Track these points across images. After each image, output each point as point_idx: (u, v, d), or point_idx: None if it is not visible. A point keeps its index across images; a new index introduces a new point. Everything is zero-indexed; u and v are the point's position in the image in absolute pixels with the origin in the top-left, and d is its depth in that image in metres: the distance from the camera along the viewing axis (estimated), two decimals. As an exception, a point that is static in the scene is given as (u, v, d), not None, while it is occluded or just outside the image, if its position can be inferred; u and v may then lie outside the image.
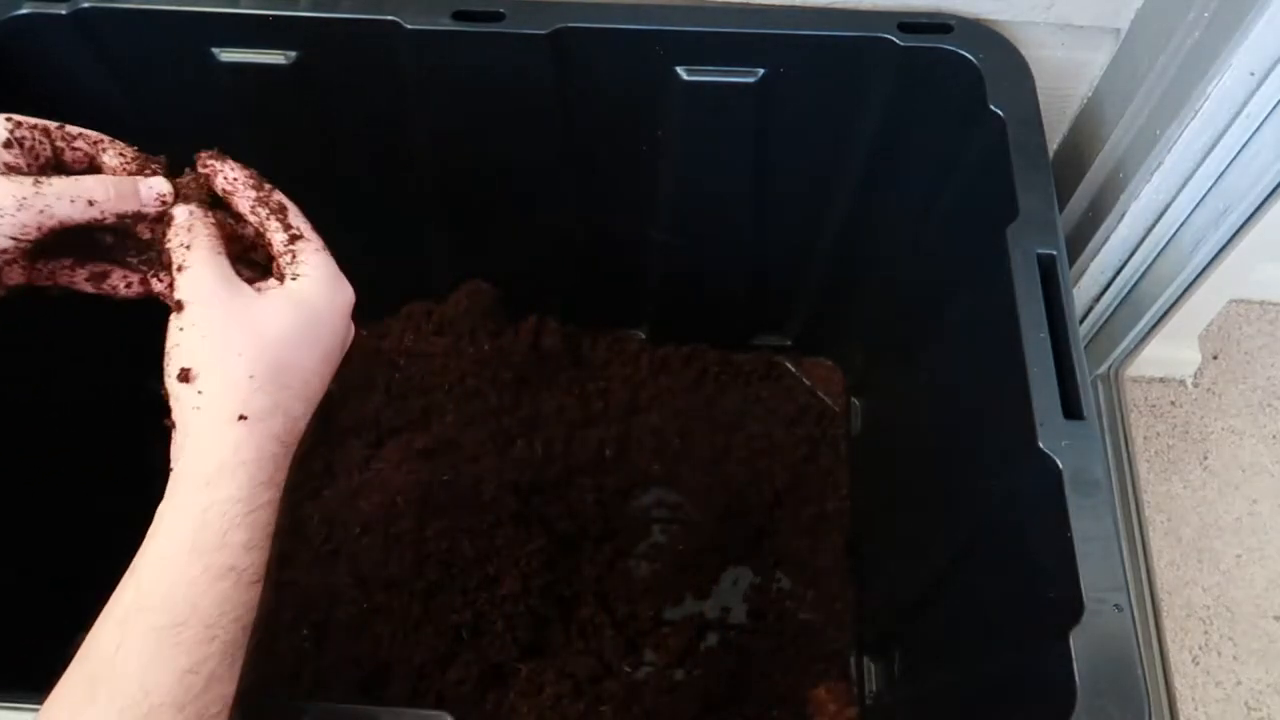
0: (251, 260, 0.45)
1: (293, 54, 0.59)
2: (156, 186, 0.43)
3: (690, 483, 0.81)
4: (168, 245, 0.42)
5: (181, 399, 0.39)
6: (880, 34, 0.56)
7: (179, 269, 0.41)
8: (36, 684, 0.38)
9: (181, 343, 0.40)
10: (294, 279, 0.42)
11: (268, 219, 0.44)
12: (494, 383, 0.80)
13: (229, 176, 0.44)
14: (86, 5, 0.57)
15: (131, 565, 0.38)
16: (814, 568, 0.77)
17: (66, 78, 0.61)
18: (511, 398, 0.80)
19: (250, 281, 0.42)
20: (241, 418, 0.39)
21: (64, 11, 0.57)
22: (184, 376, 0.39)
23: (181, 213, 0.43)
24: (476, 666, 0.70)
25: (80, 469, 0.72)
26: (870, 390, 0.83)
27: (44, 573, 0.70)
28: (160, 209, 0.43)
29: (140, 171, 0.44)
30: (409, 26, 0.57)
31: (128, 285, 0.45)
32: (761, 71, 0.58)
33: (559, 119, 0.63)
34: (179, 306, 0.40)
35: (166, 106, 0.63)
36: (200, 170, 0.44)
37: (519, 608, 0.71)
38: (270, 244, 0.44)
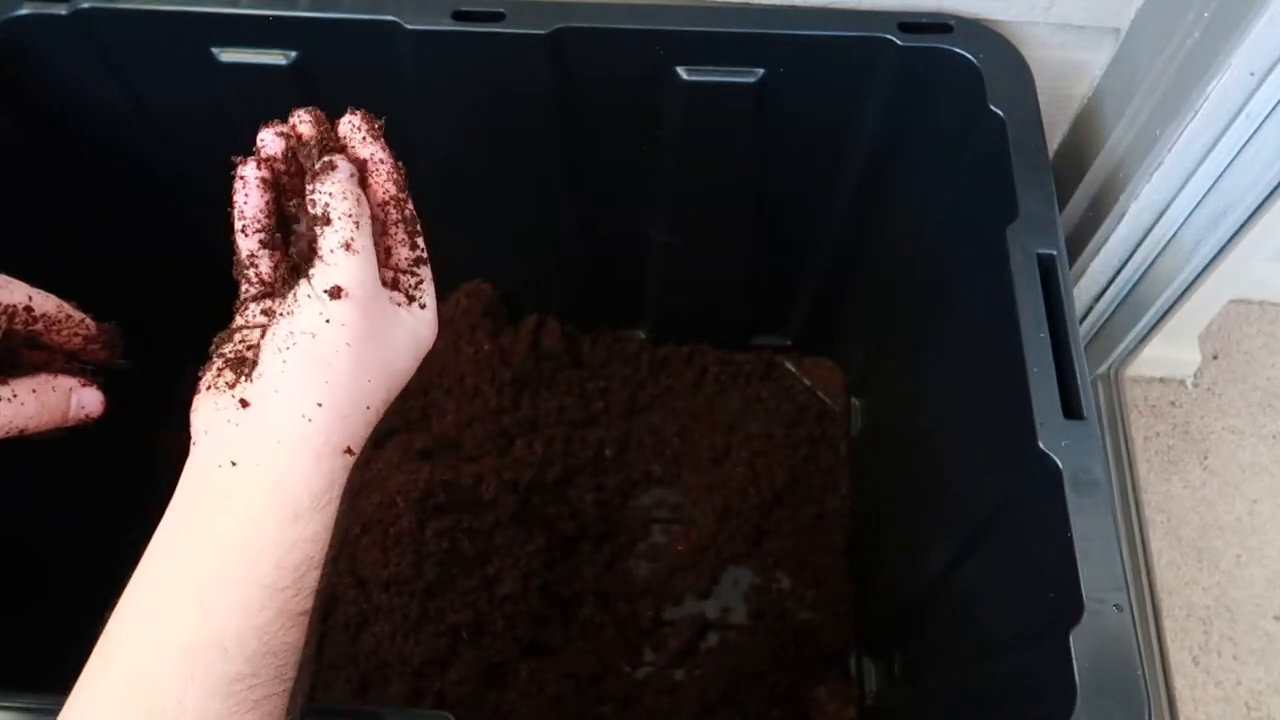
0: None
1: (293, 54, 0.59)
2: (87, 404, 0.37)
3: (690, 483, 0.81)
4: (318, 196, 0.34)
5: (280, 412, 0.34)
6: (880, 34, 0.56)
7: (346, 245, 0.34)
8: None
9: (317, 336, 0.33)
10: (422, 307, 0.37)
11: (396, 225, 0.38)
12: (494, 383, 0.80)
13: (379, 169, 0.38)
14: (86, 5, 0.57)
15: (187, 576, 0.32)
16: (814, 568, 0.77)
17: (67, 78, 0.61)
18: (511, 398, 0.80)
19: None
20: (348, 450, 0.35)
21: (64, 12, 0.57)
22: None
23: (343, 173, 0.35)
24: (476, 666, 0.70)
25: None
26: (870, 390, 0.83)
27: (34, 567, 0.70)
28: (84, 421, 0.37)
29: (83, 349, 0.38)
30: (409, 26, 0.57)
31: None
32: (761, 71, 0.58)
33: (559, 119, 0.63)
34: (336, 292, 0.33)
35: (167, 107, 0.63)
36: (340, 135, 0.38)
37: (519, 608, 0.71)
38: (390, 255, 0.38)
